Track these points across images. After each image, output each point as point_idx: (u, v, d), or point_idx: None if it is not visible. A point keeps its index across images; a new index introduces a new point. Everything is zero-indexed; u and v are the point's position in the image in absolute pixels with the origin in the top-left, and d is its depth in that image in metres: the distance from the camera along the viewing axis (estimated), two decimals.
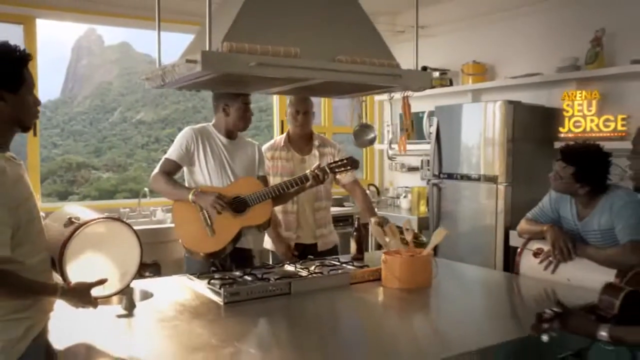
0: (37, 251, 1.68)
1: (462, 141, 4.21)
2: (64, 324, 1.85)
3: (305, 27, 2.24)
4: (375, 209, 3.34)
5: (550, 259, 2.51)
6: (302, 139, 3.22)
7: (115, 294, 1.97)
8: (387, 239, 2.52)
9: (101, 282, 1.78)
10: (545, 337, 1.66)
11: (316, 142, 3.23)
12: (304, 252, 3.07)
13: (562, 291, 2.32)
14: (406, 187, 5.33)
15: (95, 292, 1.78)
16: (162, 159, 2.82)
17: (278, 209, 3.09)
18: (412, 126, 4.05)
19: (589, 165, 2.44)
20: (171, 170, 2.78)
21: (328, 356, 1.74)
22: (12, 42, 1.67)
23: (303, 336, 1.91)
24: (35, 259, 1.66)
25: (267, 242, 3.19)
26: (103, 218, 1.93)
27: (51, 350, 1.72)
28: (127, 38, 9.31)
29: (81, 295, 1.73)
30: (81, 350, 1.71)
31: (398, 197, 5.40)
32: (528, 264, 2.63)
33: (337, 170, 2.77)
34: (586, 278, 2.34)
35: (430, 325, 2.14)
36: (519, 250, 2.72)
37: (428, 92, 5.04)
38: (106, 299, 2.18)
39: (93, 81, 9.35)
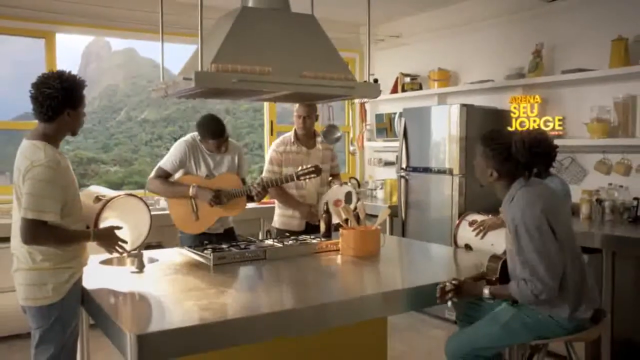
0: (77, 221, 2.31)
1: (428, 139, 4.81)
2: (94, 277, 2.49)
3: (277, 50, 2.81)
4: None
5: (481, 227, 3.13)
6: (306, 136, 3.80)
7: (135, 249, 2.58)
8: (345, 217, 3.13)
9: (123, 241, 2.41)
10: (449, 304, 2.33)
11: (319, 139, 3.87)
12: (312, 230, 3.64)
13: (486, 255, 2.90)
14: (383, 180, 5.91)
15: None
16: (157, 167, 3.43)
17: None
18: (365, 126, 4.70)
19: None
20: (163, 176, 3.41)
21: (292, 294, 2.37)
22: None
23: (272, 284, 2.57)
24: (76, 227, 2.29)
25: (276, 222, 3.81)
26: (124, 194, 2.57)
27: (85, 291, 2.35)
28: (132, 44, 9.82)
29: (108, 236, 2.34)
30: (105, 291, 2.34)
31: (375, 189, 6.01)
32: (464, 234, 3.23)
33: (302, 176, 3.34)
34: (504, 243, 2.95)
35: (374, 277, 2.78)
36: (457, 222, 3.34)
37: (401, 95, 5.68)
38: (122, 262, 2.84)
39: (101, 84, 9.83)
